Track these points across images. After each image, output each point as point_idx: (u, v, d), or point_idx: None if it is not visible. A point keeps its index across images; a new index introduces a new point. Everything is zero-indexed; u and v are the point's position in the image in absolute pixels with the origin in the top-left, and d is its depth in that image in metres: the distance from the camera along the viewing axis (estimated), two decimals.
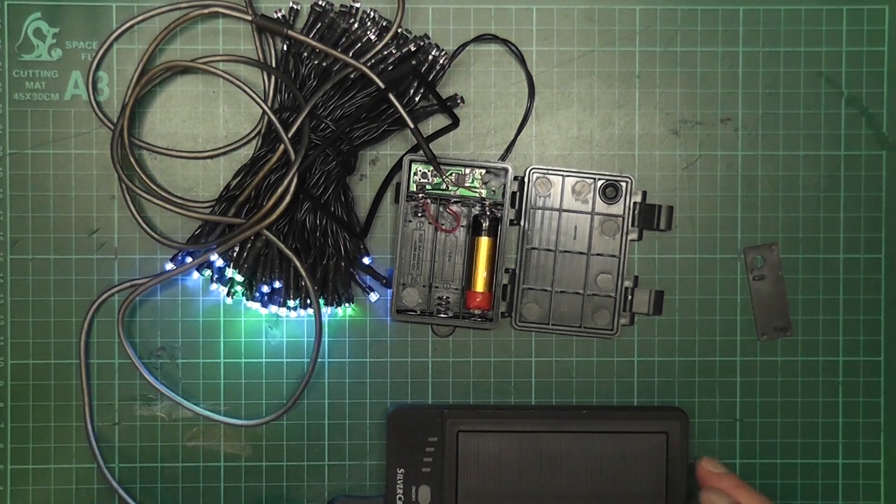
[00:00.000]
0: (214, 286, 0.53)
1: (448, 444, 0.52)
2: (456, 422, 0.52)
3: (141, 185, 0.52)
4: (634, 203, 0.54)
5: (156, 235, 0.53)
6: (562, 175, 0.53)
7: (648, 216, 0.54)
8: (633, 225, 0.54)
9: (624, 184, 0.53)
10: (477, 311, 0.53)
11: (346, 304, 0.53)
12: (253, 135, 0.54)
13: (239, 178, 0.52)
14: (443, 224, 0.53)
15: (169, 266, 0.53)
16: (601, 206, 0.54)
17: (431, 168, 0.53)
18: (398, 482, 0.52)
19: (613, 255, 0.54)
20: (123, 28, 0.53)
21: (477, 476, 0.52)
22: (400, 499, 0.52)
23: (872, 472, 0.55)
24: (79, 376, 0.53)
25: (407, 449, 0.52)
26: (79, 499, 0.54)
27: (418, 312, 0.54)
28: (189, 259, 0.52)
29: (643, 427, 0.52)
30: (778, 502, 0.55)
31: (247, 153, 0.54)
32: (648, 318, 0.54)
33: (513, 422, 0.52)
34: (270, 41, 0.53)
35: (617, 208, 0.54)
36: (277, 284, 0.52)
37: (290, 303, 0.52)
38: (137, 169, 0.52)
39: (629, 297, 0.54)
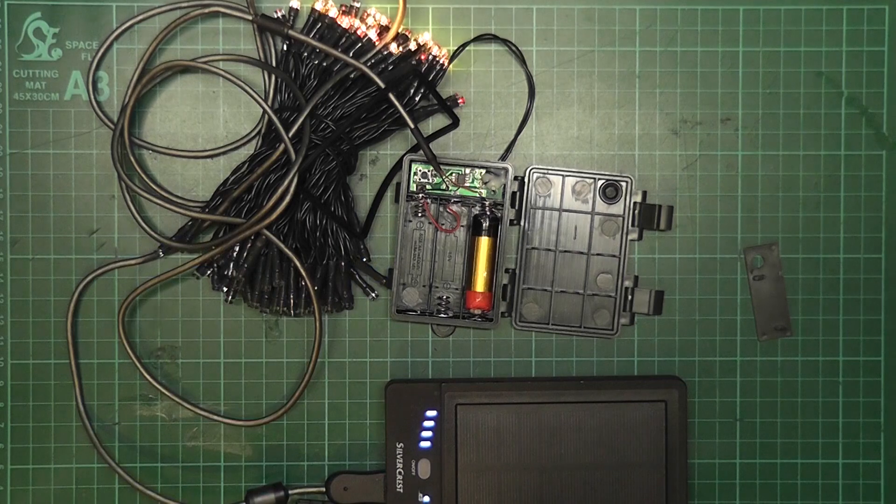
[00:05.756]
0: (215, 286, 0.53)
1: (447, 417, 0.52)
2: (454, 395, 0.52)
3: (141, 184, 0.52)
4: (634, 203, 0.54)
5: (156, 235, 0.53)
6: (562, 175, 0.53)
7: (648, 216, 0.54)
8: (633, 225, 0.54)
9: (624, 184, 0.53)
10: (477, 311, 0.53)
11: (346, 304, 0.53)
12: (253, 135, 0.54)
13: (236, 175, 0.52)
14: (443, 224, 0.53)
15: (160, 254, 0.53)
16: (601, 206, 0.54)
17: (431, 168, 0.53)
18: (398, 456, 0.52)
19: (613, 255, 0.54)
20: (123, 28, 0.53)
21: (476, 449, 0.52)
22: (400, 473, 0.52)
23: (872, 472, 0.55)
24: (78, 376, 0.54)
25: (406, 423, 0.52)
26: (79, 499, 0.54)
27: (418, 312, 0.54)
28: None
29: (642, 396, 0.52)
30: (778, 502, 0.55)
31: (247, 153, 0.54)
32: (648, 318, 0.54)
33: (511, 394, 0.52)
34: (271, 41, 0.53)
35: (617, 208, 0.54)
36: (277, 284, 0.52)
37: (291, 303, 0.52)
38: (137, 169, 0.52)
39: (629, 297, 0.54)
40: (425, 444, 0.52)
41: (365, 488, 0.52)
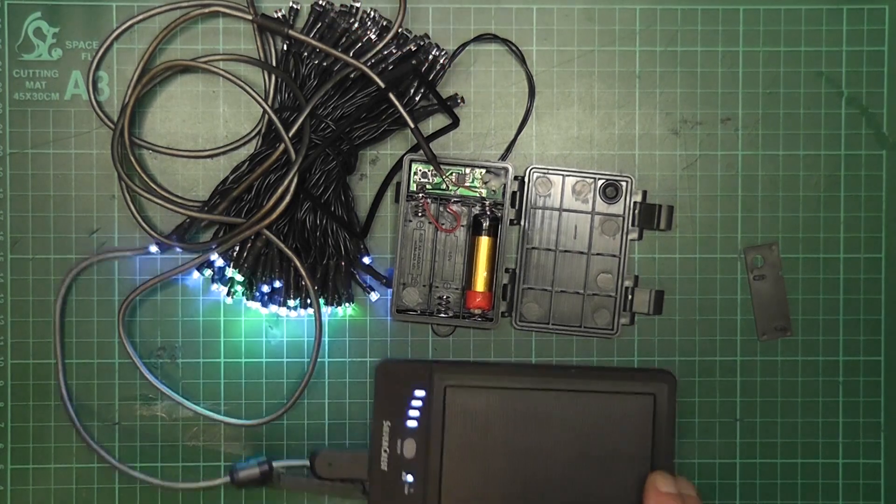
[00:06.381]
0: (215, 286, 0.53)
1: (435, 398, 0.52)
2: (444, 376, 0.52)
3: (141, 184, 0.52)
4: (635, 203, 0.54)
5: (156, 235, 0.53)
6: (562, 175, 0.53)
7: (649, 216, 0.54)
8: (633, 224, 0.54)
9: (624, 183, 0.53)
10: (477, 311, 0.53)
11: (346, 304, 0.53)
12: (253, 134, 0.54)
13: (235, 175, 0.52)
14: (443, 224, 0.53)
15: (153, 249, 0.53)
16: (601, 206, 0.54)
17: (432, 168, 0.53)
18: (384, 435, 0.52)
19: (613, 255, 0.54)
20: (123, 28, 0.53)
21: (463, 431, 0.52)
22: (385, 451, 0.52)
23: (872, 472, 0.55)
24: (80, 376, 0.53)
25: (394, 402, 0.52)
26: (79, 499, 0.54)
27: (418, 312, 0.54)
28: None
29: (631, 388, 0.52)
30: (778, 502, 0.55)
31: (247, 153, 0.54)
32: (648, 318, 0.54)
33: (501, 378, 0.52)
34: (271, 41, 0.53)
35: (617, 208, 0.54)
36: (277, 284, 0.52)
37: (291, 302, 0.52)
38: (138, 168, 0.52)
39: (629, 296, 0.54)
40: (412, 424, 0.52)
41: (349, 465, 0.52)
